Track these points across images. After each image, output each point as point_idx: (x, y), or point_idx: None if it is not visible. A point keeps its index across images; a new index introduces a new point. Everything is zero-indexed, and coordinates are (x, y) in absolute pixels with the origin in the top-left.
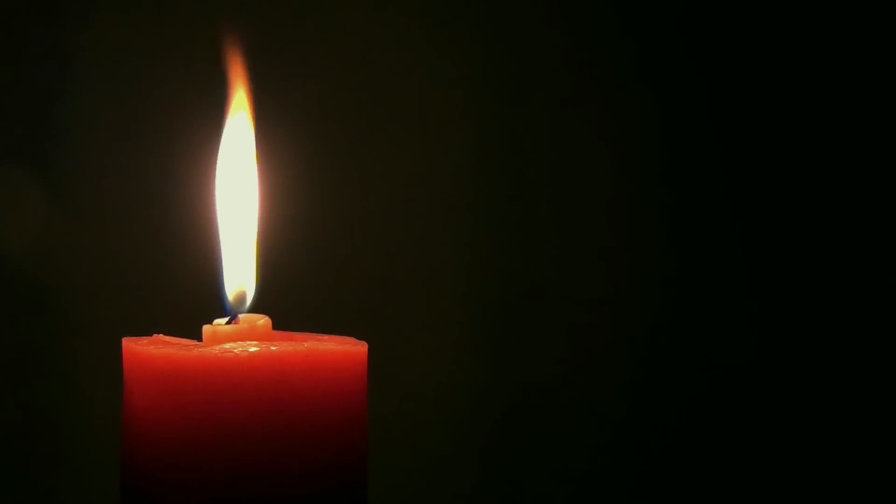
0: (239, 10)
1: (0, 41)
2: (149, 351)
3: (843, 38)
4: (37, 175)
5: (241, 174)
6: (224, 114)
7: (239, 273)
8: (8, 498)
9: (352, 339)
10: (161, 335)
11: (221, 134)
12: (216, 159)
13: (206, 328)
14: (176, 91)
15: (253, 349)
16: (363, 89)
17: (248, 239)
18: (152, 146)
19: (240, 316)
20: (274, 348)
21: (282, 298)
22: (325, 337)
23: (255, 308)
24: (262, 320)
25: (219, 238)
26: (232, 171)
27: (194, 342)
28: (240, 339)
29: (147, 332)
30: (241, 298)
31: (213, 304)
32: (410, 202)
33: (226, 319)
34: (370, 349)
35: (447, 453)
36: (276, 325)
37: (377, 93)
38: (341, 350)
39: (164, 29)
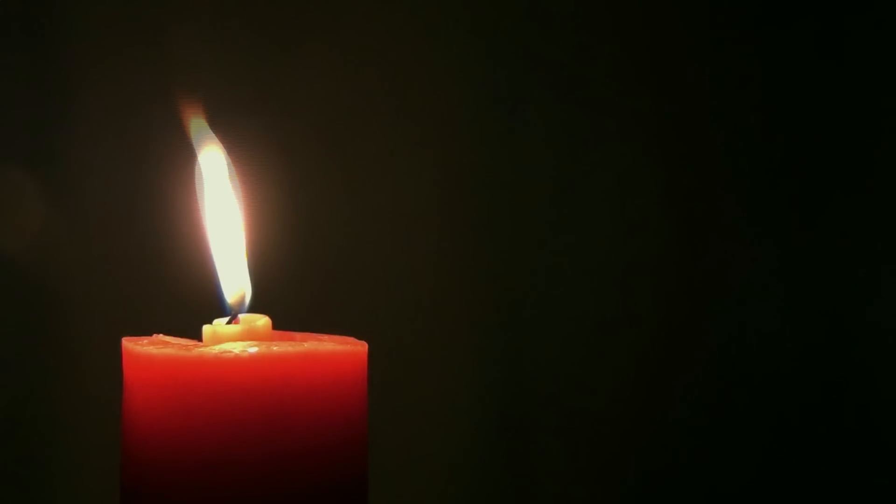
0: (231, 9)
1: (0, 42)
2: (149, 351)
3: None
4: (37, 175)
5: (222, 177)
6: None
7: (238, 274)
8: (8, 498)
9: (352, 339)
10: (161, 335)
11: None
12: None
13: (206, 328)
14: (178, 91)
15: (253, 349)
16: (365, 85)
17: (242, 240)
18: (152, 146)
19: (240, 316)
20: (274, 348)
21: (281, 298)
22: (325, 337)
23: (255, 308)
24: (262, 320)
25: (216, 240)
26: (215, 176)
27: (194, 342)
28: (240, 340)
29: (147, 332)
30: (240, 299)
31: (213, 304)
32: (411, 202)
33: (226, 319)
34: (370, 349)
35: (447, 453)
36: (276, 326)
37: (377, 90)
38: (341, 350)
39: (165, 29)
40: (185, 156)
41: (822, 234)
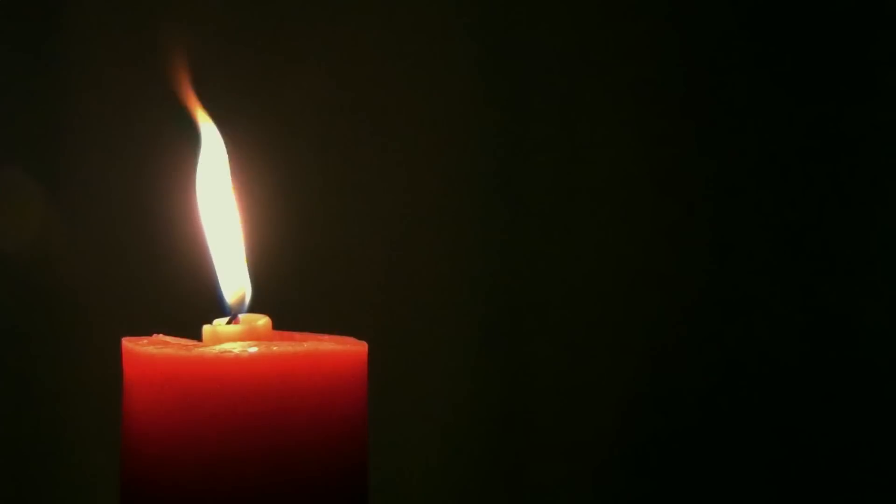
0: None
1: (1, 43)
2: (149, 351)
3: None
4: (37, 175)
5: (218, 175)
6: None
7: (237, 274)
8: (8, 498)
9: (352, 339)
10: (161, 335)
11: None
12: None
13: (206, 328)
14: (177, 90)
15: (253, 349)
16: (366, 84)
17: (242, 240)
18: (152, 145)
19: (240, 316)
20: (274, 348)
21: (281, 298)
22: (325, 337)
23: (255, 308)
24: (262, 320)
25: (216, 240)
26: (210, 174)
27: (194, 342)
28: (240, 340)
29: (147, 332)
30: (240, 299)
31: (213, 304)
32: (411, 201)
33: (226, 319)
34: (370, 349)
35: (447, 453)
36: (276, 326)
37: (379, 88)
38: (341, 350)
39: (164, 28)
40: (186, 155)
41: (822, 234)
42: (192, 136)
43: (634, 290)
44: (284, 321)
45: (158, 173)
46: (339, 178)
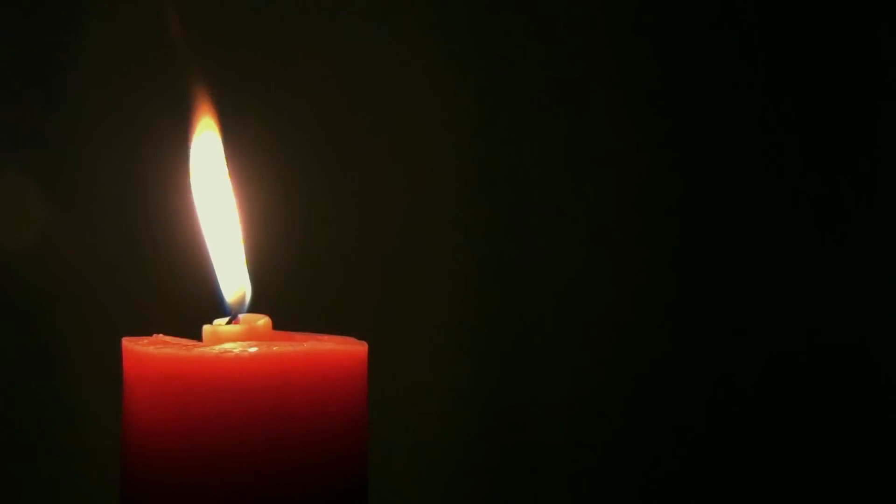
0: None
1: (0, 43)
2: (149, 351)
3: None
4: (37, 175)
5: (217, 175)
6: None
7: (237, 274)
8: (8, 498)
9: (352, 339)
10: (161, 335)
11: (194, 140)
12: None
13: (206, 328)
14: (176, 91)
15: (253, 349)
16: (366, 83)
17: (242, 240)
18: (152, 145)
19: (240, 316)
20: (274, 348)
21: (281, 298)
22: (325, 337)
23: (255, 308)
24: (262, 320)
25: (216, 240)
26: (209, 174)
27: (194, 342)
28: (240, 340)
29: (147, 332)
30: (240, 299)
31: (213, 304)
32: (411, 201)
33: (226, 319)
34: (370, 349)
35: (447, 454)
36: (276, 325)
37: (378, 88)
38: (341, 350)
39: (164, 28)
40: (186, 156)
41: (825, 236)
42: (191, 136)
43: (637, 291)
44: (284, 321)
45: (158, 173)
46: (339, 178)
